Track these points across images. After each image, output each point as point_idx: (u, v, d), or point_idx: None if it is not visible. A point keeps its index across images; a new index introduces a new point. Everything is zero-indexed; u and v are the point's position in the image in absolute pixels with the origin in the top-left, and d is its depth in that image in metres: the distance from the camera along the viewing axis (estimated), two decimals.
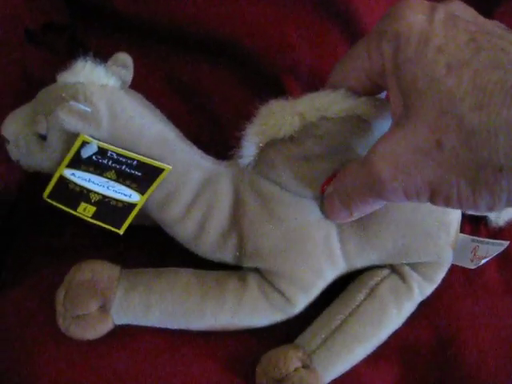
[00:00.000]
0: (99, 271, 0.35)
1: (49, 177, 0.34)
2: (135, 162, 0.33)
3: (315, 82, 0.36)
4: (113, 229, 0.35)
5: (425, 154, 0.27)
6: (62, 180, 0.34)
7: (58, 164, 0.33)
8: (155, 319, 0.35)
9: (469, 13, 0.29)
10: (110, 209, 0.35)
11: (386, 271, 0.38)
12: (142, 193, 0.34)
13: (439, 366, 0.37)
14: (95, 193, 0.34)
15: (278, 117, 0.33)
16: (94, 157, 0.33)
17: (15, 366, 0.34)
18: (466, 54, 0.26)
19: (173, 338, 0.36)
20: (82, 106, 0.32)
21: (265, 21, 0.45)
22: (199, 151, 0.36)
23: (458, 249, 0.37)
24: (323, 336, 0.36)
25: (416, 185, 0.28)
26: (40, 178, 0.35)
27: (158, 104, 0.36)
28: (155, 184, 0.34)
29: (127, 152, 0.33)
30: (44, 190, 0.34)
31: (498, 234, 0.42)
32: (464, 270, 0.38)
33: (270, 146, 0.34)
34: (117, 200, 0.34)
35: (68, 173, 0.33)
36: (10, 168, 0.39)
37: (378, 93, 0.33)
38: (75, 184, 0.34)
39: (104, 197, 0.34)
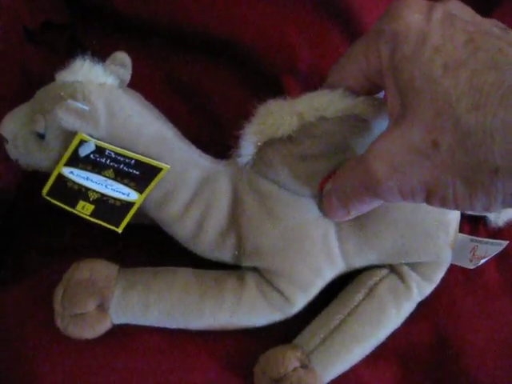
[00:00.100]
0: (97, 270, 0.35)
1: (48, 176, 0.34)
2: (133, 161, 0.33)
3: (315, 82, 0.36)
4: (111, 227, 0.35)
5: (421, 153, 0.27)
6: (61, 178, 0.34)
7: (57, 163, 0.33)
8: (154, 319, 0.35)
9: (466, 12, 0.29)
10: (108, 207, 0.35)
11: (384, 271, 0.38)
12: (141, 192, 0.34)
13: (438, 365, 0.37)
14: (93, 191, 0.34)
15: (277, 116, 0.33)
16: (91, 155, 0.33)
17: (14, 365, 0.34)
18: (463, 55, 0.26)
19: (171, 338, 0.36)
20: (80, 105, 0.32)
21: (265, 21, 0.45)
22: (197, 150, 0.36)
23: (457, 249, 0.37)
24: (322, 336, 0.36)
25: (412, 185, 0.28)
26: (39, 177, 0.35)
27: (157, 103, 0.37)
28: (153, 183, 0.34)
29: (125, 151, 0.33)
30: (43, 189, 0.34)
31: (497, 233, 0.42)
32: (463, 269, 0.38)
33: (268, 146, 0.34)
34: (115, 199, 0.34)
35: (66, 171, 0.33)
36: (9, 167, 0.39)
37: (376, 92, 0.33)
38: (74, 182, 0.34)
39: (102, 195, 0.34)
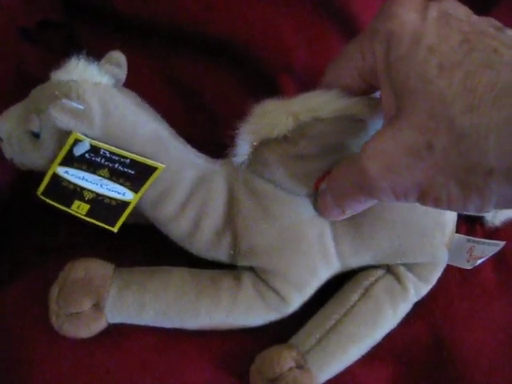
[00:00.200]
0: (93, 269, 0.35)
1: (43, 175, 0.34)
2: (128, 161, 0.33)
3: (312, 82, 0.36)
4: (107, 227, 0.35)
5: (415, 155, 0.27)
6: (56, 178, 0.34)
7: (52, 162, 0.33)
8: (149, 318, 0.35)
9: (462, 11, 0.28)
10: (103, 207, 0.35)
11: (381, 271, 0.38)
12: (136, 191, 0.34)
13: (434, 366, 0.37)
14: (89, 191, 0.34)
15: (272, 117, 0.33)
16: (86, 155, 0.33)
17: (9, 364, 0.34)
18: (458, 55, 0.26)
19: (167, 337, 0.36)
20: (74, 104, 0.32)
21: (263, 20, 0.45)
22: (193, 150, 0.36)
23: (454, 249, 0.37)
24: (318, 336, 0.36)
25: (405, 185, 0.28)
26: (34, 176, 0.35)
27: (154, 103, 0.36)
28: (148, 182, 0.34)
29: (120, 150, 0.33)
30: (38, 188, 0.34)
31: (493, 234, 0.42)
32: (460, 270, 0.38)
33: (263, 145, 0.34)
34: (110, 198, 0.34)
35: (61, 171, 0.33)
36: (4, 166, 0.39)
37: (372, 92, 0.33)
38: (69, 182, 0.34)
39: (98, 195, 0.34)
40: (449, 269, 0.38)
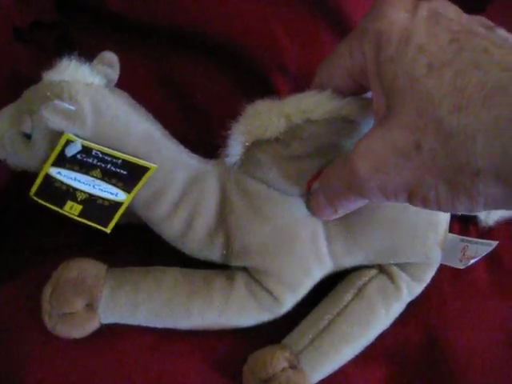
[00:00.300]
0: (86, 269, 0.35)
1: (36, 176, 0.34)
2: (120, 161, 0.33)
3: (306, 81, 0.36)
4: (100, 227, 0.35)
5: (403, 154, 0.26)
6: (48, 178, 0.33)
7: (44, 163, 0.33)
8: (142, 318, 0.35)
9: (452, 10, 0.28)
10: (96, 207, 0.35)
11: (374, 271, 0.38)
12: (128, 191, 0.34)
13: (428, 366, 0.37)
14: (81, 191, 0.34)
15: (264, 118, 0.33)
16: (78, 155, 0.32)
17: (2, 364, 0.34)
18: (448, 55, 0.26)
19: (160, 337, 0.36)
20: (66, 105, 0.31)
21: (257, 20, 0.45)
22: (186, 150, 0.36)
23: (447, 249, 0.37)
24: (311, 336, 0.36)
25: (394, 185, 0.27)
26: (30, 177, 0.35)
27: (147, 103, 0.36)
28: (141, 183, 0.34)
29: (112, 151, 0.33)
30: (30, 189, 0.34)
31: (487, 233, 0.42)
32: (453, 270, 0.38)
33: (256, 146, 0.34)
34: (103, 198, 0.34)
35: (54, 171, 0.33)
36: None
37: (363, 92, 0.33)
38: (61, 182, 0.34)
39: (90, 195, 0.34)
40: (442, 268, 0.38)
